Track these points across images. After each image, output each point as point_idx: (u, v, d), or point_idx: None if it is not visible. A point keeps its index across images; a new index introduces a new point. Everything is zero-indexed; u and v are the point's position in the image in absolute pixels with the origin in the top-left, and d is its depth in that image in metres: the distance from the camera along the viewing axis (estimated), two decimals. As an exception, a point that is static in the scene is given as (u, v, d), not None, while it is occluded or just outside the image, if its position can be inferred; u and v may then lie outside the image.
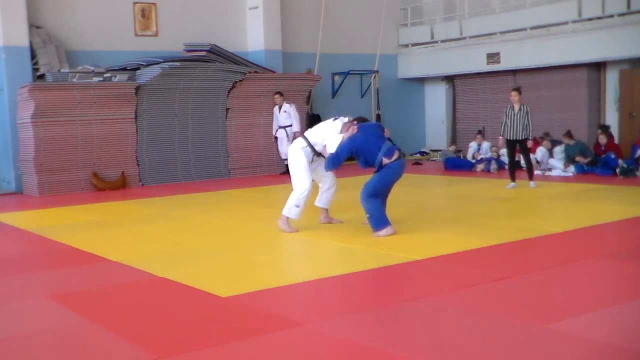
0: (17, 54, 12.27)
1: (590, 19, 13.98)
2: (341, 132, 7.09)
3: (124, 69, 12.92)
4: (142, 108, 12.75)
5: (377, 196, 6.95)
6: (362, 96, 17.58)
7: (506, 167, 13.76)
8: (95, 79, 12.35)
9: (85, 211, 9.76)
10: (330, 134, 7.15)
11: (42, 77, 12.49)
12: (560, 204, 9.20)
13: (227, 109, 13.79)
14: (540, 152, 13.22)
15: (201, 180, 13.30)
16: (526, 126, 10.33)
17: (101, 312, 4.76)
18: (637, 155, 12.12)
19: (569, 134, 13.04)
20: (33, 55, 12.56)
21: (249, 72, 13.80)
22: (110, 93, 12.30)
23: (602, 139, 12.68)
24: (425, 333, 4.11)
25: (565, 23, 14.34)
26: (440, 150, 16.72)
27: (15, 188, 12.43)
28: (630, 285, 5.06)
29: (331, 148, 7.01)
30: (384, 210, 7.00)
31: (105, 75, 12.48)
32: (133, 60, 13.27)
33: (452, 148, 15.87)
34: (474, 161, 14.26)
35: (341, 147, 6.89)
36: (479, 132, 15.27)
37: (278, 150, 14.26)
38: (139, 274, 5.77)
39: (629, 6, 13.24)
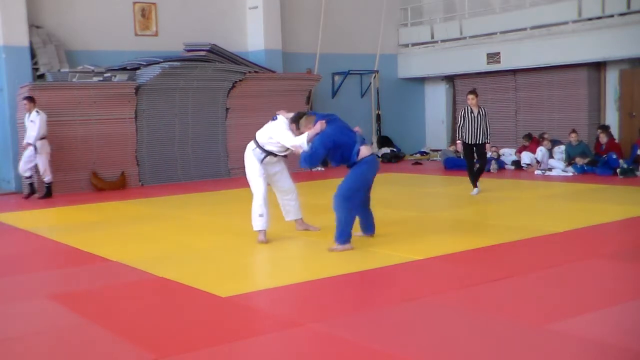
0: (17, 53, 12.27)
1: (590, 19, 13.98)
2: (297, 127, 6.63)
3: (124, 69, 12.92)
4: (142, 108, 12.75)
5: (352, 199, 6.30)
6: (362, 96, 17.57)
7: (506, 167, 13.79)
8: (95, 79, 12.35)
9: (85, 211, 9.76)
10: (278, 130, 6.81)
11: (42, 77, 12.50)
12: (560, 204, 9.21)
13: (227, 109, 13.79)
14: (540, 152, 13.23)
15: (201, 180, 13.30)
16: (485, 129, 9.94)
17: (101, 312, 4.76)
18: (637, 155, 12.11)
19: (574, 131, 13.02)
20: (33, 55, 12.56)
21: (249, 72, 13.79)
22: (110, 93, 12.29)
23: (603, 138, 12.68)
24: (425, 333, 4.11)
25: (565, 23, 14.34)
26: (440, 150, 16.72)
27: (15, 188, 12.43)
28: (630, 285, 5.06)
29: (285, 140, 6.68)
30: (353, 222, 6.35)
31: (105, 75, 12.48)
32: (133, 60, 13.27)
33: (452, 148, 15.86)
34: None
35: (316, 144, 6.30)
36: (479, 132, 15.25)
37: None
38: (139, 274, 5.77)
39: (629, 6, 13.24)
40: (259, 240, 6.90)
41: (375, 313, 4.50)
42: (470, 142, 10.07)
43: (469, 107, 10.06)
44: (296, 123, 6.67)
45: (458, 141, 10.39)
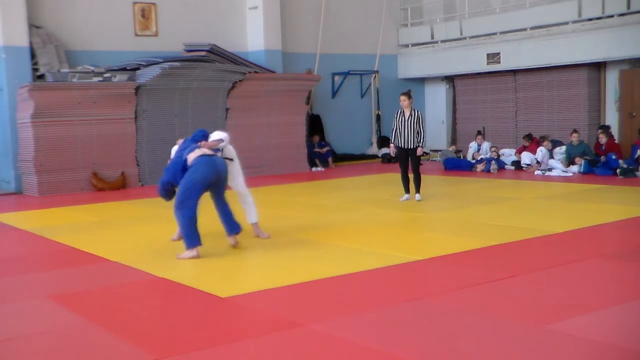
0: (17, 54, 12.27)
1: (590, 19, 13.99)
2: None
3: (124, 69, 12.92)
4: (142, 108, 12.74)
5: (186, 203, 6.21)
6: (362, 96, 17.58)
7: (506, 167, 13.80)
8: (95, 79, 12.35)
9: (85, 211, 9.76)
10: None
11: (41, 77, 12.49)
12: (560, 204, 9.20)
13: (227, 109, 13.79)
14: (540, 152, 13.23)
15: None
16: (418, 133, 9.40)
17: (101, 312, 4.75)
18: (637, 155, 12.12)
19: (576, 131, 12.99)
20: (33, 55, 12.55)
21: (249, 72, 13.80)
22: (110, 93, 12.29)
23: (603, 139, 12.70)
24: (425, 333, 4.11)
25: (565, 23, 14.35)
26: (440, 151, 16.72)
27: (15, 188, 12.42)
28: (631, 286, 5.06)
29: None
30: (194, 225, 6.27)
31: (105, 75, 12.48)
32: (133, 60, 13.27)
33: (452, 148, 15.87)
34: (474, 161, 14.26)
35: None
36: (479, 132, 15.28)
37: None
38: (139, 274, 5.77)
39: (629, 6, 13.25)
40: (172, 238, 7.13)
41: (375, 313, 4.50)
42: (402, 146, 9.54)
43: (401, 109, 9.56)
44: None
45: (391, 145, 9.78)
